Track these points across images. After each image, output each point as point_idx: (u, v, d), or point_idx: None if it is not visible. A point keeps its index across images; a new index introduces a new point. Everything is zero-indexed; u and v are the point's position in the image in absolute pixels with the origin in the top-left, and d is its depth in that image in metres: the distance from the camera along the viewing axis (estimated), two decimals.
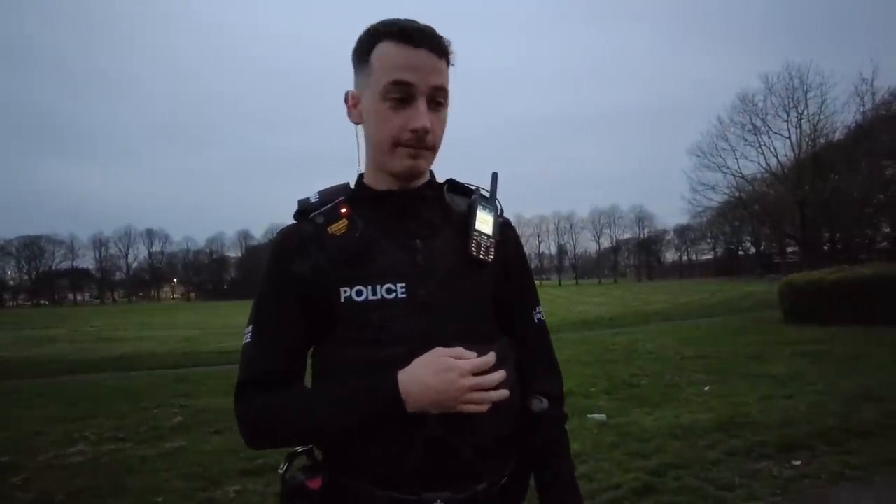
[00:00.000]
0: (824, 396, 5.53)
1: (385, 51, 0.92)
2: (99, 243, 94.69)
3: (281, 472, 0.99)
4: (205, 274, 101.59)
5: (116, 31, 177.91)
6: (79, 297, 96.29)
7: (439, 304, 0.95)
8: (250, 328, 0.99)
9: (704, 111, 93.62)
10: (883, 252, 40.66)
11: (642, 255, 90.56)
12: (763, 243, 60.06)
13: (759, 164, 39.12)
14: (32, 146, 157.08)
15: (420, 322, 0.93)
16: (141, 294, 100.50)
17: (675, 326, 13.87)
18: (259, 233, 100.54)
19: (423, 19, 0.96)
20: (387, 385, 0.88)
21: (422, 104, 0.92)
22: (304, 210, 1.00)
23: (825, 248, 40.91)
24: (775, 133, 37.83)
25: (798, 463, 3.82)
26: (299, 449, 1.00)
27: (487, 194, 1.08)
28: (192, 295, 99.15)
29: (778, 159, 38.42)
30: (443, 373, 0.87)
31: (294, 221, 1.01)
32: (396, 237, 0.97)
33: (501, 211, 1.08)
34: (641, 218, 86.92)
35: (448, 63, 0.97)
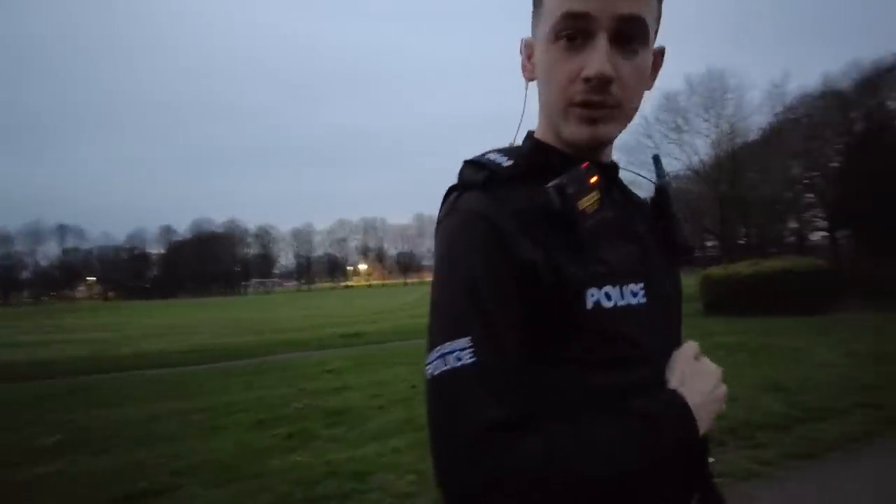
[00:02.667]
0: (737, 389, 5.61)
1: None
2: (2, 239, 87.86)
3: None
4: (124, 271, 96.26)
5: (23, 7, 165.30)
6: None
7: (670, 307, 0.79)
8: (465, 341, 0.64)
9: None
10: (790, 246, 43.67)
11: None
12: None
13: (681, 161, 40.94)
14: None
15: (661, 332, 0.76)
16: (53, 294, 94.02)
17: None
18: (182, 227, 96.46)
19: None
20: (673, 402, 0.69)
21: (602, 42, 0.68)
22: (505, 176, 0.73)
23: (740, 242, 43.32)
24: (697, 132, 39.62)
25: (711, 460, 3.77)
26: None
27: (664, 177, 0.89)
28: (111, 294, 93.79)
29: (699, 157, 40.29)
30: (710, 377, 0.75)
31: (477, 189, 0.73)
32: (620, 222, 0.77)
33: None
34: None
35: None
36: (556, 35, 0.70)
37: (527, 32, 0.81)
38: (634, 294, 0.72)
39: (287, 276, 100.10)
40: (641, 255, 0.76)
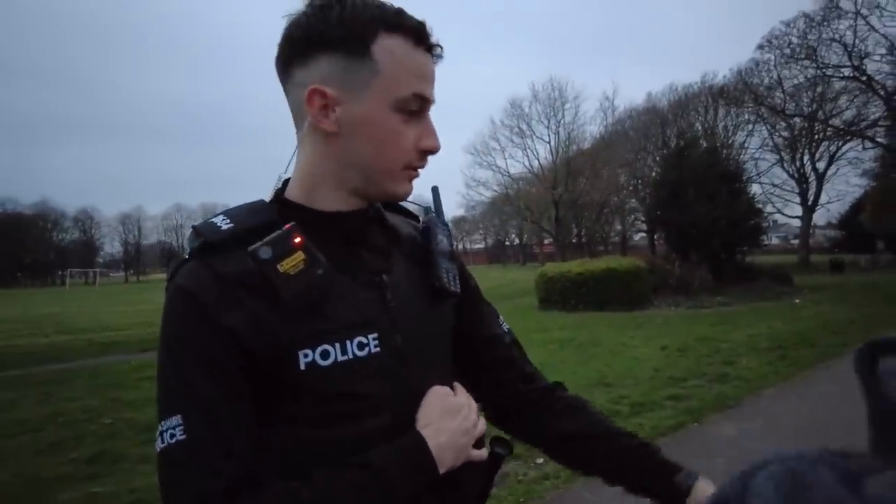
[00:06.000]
0: (570, 386, 5.91)
1: (399, 50, 0.75)
2: None
3: None
4: None
5: None
6: None
7: (416, 351, 0.81)
8: (177, 419, 0.67)
9: (485, 111, 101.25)
10: (616, 245, 48.71)
11: None
12: (525, 235, 67.35)
13: (523, 164, 43.67)
14: None
15: (400, 379, 0.78)
16: None
17: None
18: None
19: None
20: (414, 445, 0.73)
21: (431, 121, 0.80)
22: (218, 242, 0.73)
23: (574, 241, 47.29)
24: (538, 137, 42.47)
25: (540, 461, 3.88)
26: None
27: (432, 212, 0.97)
28: None
29: (539, 161, 43.20)
30: (459, 411, 0.79)
31: (194, 258, 0.74)
32: (355, 272, 0.79)
33: (451, 232, 0.97)
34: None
35: None
36: (402, 109, 0.76)
37: None
38: (363, 346, 0.74)
39: (114, 265, 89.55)
40: (379, 301, 0.79)
